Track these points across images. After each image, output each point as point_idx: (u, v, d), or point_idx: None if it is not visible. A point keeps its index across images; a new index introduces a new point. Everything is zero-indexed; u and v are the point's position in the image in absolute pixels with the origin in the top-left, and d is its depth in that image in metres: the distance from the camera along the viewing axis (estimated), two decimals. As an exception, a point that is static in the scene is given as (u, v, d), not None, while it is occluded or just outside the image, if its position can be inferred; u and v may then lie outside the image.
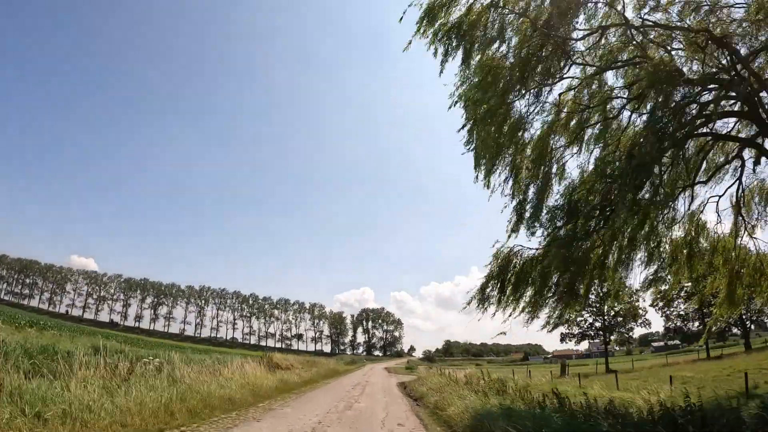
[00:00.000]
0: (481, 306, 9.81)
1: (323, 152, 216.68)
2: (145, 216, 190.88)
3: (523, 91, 8.88)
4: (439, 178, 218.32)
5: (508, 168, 9.46)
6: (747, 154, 9.77)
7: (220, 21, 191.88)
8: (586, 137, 9.67)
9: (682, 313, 46.92)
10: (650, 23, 8.63)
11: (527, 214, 9.45)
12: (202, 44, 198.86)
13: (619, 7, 8.64)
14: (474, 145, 9.26)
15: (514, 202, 9.53)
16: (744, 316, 40.92)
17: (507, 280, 9.52)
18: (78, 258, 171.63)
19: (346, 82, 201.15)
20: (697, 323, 42.97)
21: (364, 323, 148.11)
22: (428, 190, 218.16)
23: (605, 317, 40.51)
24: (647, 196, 8.23)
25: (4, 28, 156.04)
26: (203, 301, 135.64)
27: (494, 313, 9.61)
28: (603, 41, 8.98)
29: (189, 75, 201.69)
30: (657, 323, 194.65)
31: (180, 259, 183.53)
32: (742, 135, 9.67)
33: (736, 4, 8.25)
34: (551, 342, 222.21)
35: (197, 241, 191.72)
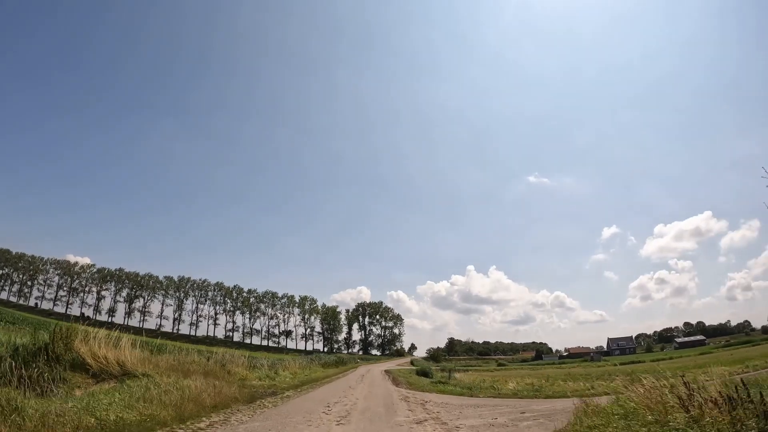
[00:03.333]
0: None
1: (314, 150, 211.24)
2: (135, 213, 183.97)
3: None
4: (434, 177, 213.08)
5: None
6: None
7: (205, 16, 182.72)
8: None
9: None
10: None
11: None
12: (191, 40, 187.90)
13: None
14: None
15: None
16: None
17: None
18: (74, 257, 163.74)
19: (335, 78, 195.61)
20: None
21: (361, 319, 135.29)
22: (423, 188, 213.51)
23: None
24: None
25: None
26: (182, 294, 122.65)
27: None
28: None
29: (173, 71, 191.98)
30: (675, 319, 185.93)
31: (170, 256, 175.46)
32: None
33: None
34: (555, 340, 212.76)
35: (188, 239, 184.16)
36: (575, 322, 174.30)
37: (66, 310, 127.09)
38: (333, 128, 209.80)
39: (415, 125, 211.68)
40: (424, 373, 29.57)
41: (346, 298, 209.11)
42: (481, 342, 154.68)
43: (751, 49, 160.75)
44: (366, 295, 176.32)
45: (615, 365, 52.73)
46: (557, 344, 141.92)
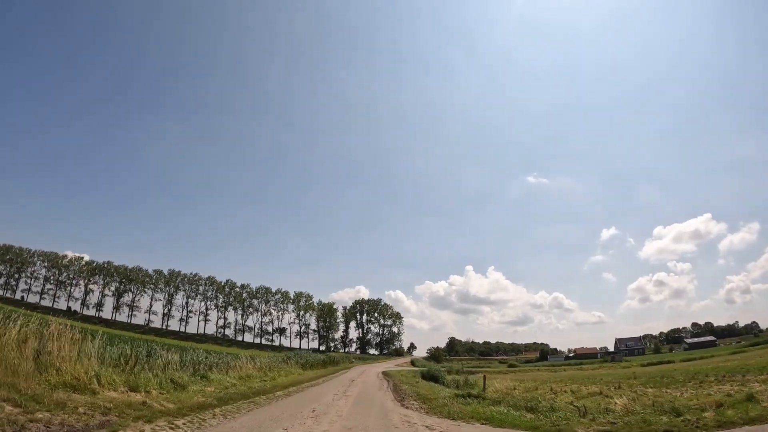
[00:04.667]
0: None
1: (317, 151, 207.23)
2: (136, 211, 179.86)
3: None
4: (434, 177, 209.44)
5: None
6: None
7: (213, 19, 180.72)
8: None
9: None
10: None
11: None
12: (192, 39, 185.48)
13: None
14: None
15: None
16: None
17: None
18: (72, 254, 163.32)
19: (343, 79, 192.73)
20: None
21: (358, 317, 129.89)
22: (422, 188, 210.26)
23: None
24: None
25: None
26: (173, 288, 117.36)
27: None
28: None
29: (177, 70, 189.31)
30: (674, 321, 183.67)
31: (168, 256, 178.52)
32: None
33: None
34: (553, 341, 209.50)
35: (189, 239, 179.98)
36: (573, 323, 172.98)
37: (53, 304, 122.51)
38: (337, 128, 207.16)
39: (416, 125, 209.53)
40: (432, 377, 23.86)
41: (344, 297, 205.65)
42: (481, 342, 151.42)
43: (752, 49, 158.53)
44: (364, 294, 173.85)
45: (642, 365, 47.68)
46: (556, 345, 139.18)
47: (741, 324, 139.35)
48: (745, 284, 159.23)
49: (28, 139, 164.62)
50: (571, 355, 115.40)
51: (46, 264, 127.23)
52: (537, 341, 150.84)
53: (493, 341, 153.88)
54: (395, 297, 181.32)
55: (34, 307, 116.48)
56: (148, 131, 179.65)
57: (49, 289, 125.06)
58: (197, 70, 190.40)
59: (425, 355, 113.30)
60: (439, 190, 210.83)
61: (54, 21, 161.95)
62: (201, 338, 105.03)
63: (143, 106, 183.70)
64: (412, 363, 65.71)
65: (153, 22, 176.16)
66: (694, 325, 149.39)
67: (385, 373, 32.99)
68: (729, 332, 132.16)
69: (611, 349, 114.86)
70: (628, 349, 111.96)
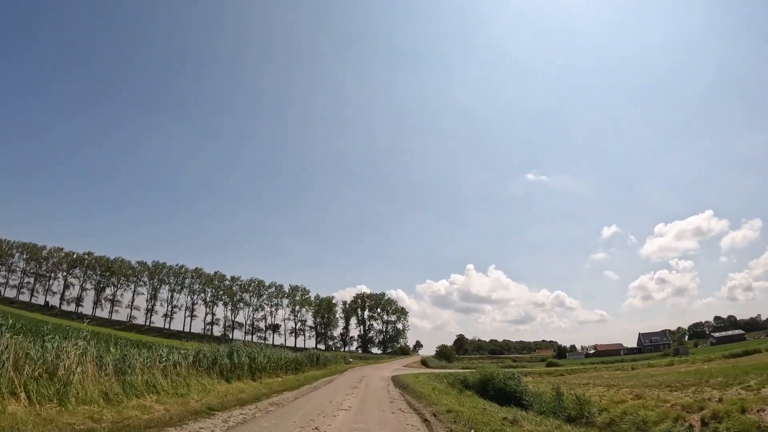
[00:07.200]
0: None
1: (315, 149, 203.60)
2: (130, 210, 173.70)
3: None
4: (434, 175, 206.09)
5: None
6: None
7: (210, 16, 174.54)
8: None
9: None
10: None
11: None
12: (189, 37, 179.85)
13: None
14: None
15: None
16: None
17: None
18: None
19: (340, 77, 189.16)
20: None
21: (360, 312, 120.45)
22: (423, 187, 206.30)
23: None
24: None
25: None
26: (157, 281, 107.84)
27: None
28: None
29: (175, 68, 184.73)
30: (676, 320, 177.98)
31: (164, 255, 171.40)
32: None
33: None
34: (557, 339, 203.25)
35: (186, 238, 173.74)
36: (576, 321, 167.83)
37: (30, 299, 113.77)
38: (334, 127, 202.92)
39: (414, 124, 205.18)
40: (503, 394, 11.81)
41: (345, 296, 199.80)
42: (488, 340, 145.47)
43: (756, 44, 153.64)
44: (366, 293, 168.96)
45: (725, 357, 38.03)
46: (561, 344, 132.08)
47: (763, 317, 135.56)
48: (748, 281, 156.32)
49: (21, 135, 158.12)
50: (591, 352, 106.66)
51: (25, 256, 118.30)
52: (540, 339, 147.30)
53: (498, 339, 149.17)
54: (396, 296, 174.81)
55: (11, 302, 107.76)
56: (146, 130, 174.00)
57: (27, 283, 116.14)
58: (195, 68, 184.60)
59: (433, 353, 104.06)
60: (438, 188, 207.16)
61: (50, 17, 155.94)
62: (186, 335, 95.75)
63: (139, 104, 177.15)
64: (424, 363, 56.41)
65: (150, 20, 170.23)
66: (717, 318, 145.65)
67: (402, 387, 20.89)
68: (752, 326, 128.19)
69: (626, 345, 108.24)
70: (652, 344, 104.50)
